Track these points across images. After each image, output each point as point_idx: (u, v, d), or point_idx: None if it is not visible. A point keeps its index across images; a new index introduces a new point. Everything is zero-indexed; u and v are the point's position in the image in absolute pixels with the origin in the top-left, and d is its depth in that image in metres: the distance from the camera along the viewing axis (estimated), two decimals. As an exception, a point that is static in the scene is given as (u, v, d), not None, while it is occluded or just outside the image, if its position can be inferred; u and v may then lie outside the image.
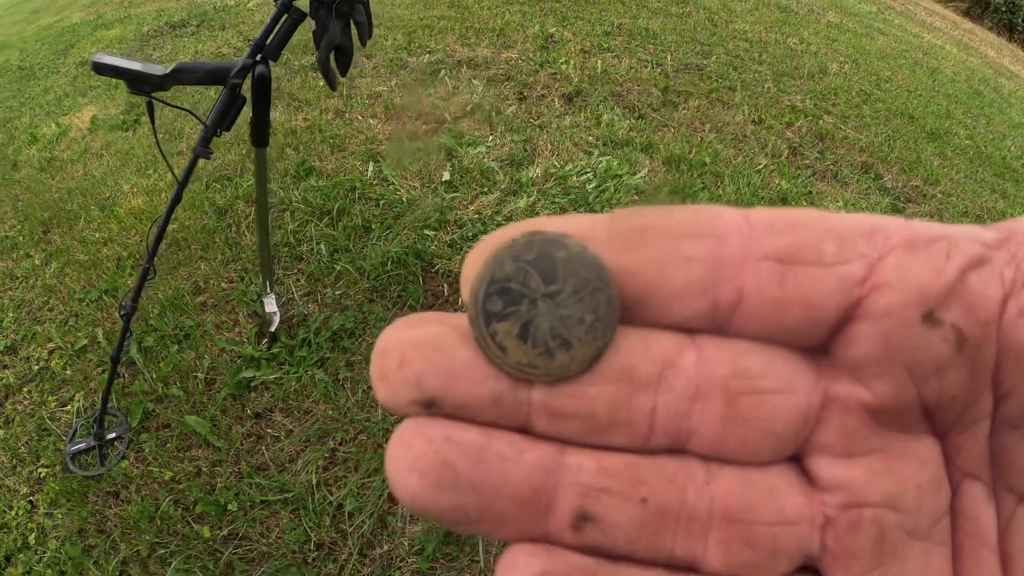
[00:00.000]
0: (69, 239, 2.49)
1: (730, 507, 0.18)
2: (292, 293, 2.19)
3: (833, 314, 0.17)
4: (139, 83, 1.53)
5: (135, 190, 2.72)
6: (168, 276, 2.25)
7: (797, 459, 0.19)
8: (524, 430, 0.18)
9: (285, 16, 1.54)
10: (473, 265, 0.18)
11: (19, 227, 2.64)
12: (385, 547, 1.61)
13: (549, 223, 0.18)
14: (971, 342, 0.17)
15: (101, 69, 1.51)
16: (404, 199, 2.59)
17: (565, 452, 0.18)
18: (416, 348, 0.17)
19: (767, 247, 0.17)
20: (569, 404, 0.17)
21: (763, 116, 3.87)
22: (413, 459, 0.17)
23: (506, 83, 3.52)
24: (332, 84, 1.61)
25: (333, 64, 1.61)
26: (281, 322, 2.03)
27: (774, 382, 0.18)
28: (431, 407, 0.17)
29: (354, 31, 1.62)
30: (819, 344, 0.18)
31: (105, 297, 2.21)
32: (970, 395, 0.18)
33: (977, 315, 0.17)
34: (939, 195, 3.92)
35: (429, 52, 3.74)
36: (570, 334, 0.17)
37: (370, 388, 1.92)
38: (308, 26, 1.56)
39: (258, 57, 1.57)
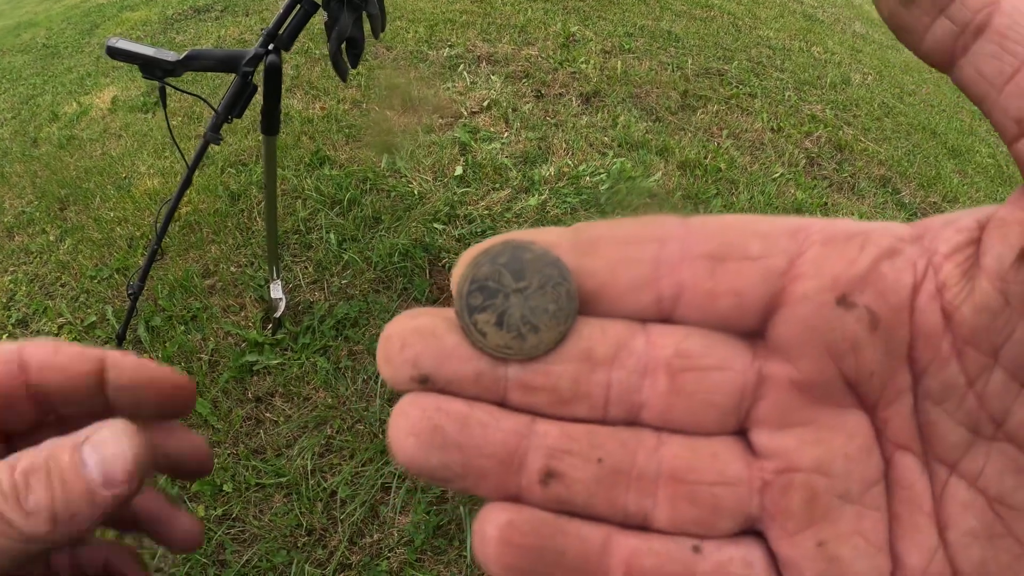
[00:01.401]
0: (84, 217, 2.52)
1: (676, 468, 0.20)
2: (299, 280, 2.21)
3: (760, 301, 0.20)
4: (152, 68, 1.55)
5: (151, 171, 2.75)
6: (179, 258, 2.28)
7: (743, 432, 0.21)
8: (502, 403, 0.21)
9: (298, 6, 1.56)
10: (459, 269, 0.21)
11: (36, 203, 2.68)
12: (375, 536, 1.63)
13: (521, 235, 0.21)
14: (884, 323, 0.19)
15: (115, 53, 1.53)
16: (415, 192, 2.60)
17: (535, 421, 0.20)
18: (415, 334, 0.20)
19: (701, 247, 0.20)
20: (538, 379, 0.20)
21: (782, 124, 3.85)
22: (410, 425, 0.20)
23: (524, 80, 3.52)
24: (343, 75, 1.62)
25: (344, 56, 1.62)
26: (287, 308, 2.05)
27: (712, 360, 0.20)
28: (425, 383, 0.20)
29: (367, 23, 1.63)
30: (753, 329, 0.20)
31: (116, 276, 2.24)
32: (887, 371, 0.20)
33: (889, 298, 0.19)
34: (957, 212, 3.88)
35: (450, 46, 3.75)
36: (538, 320, 0.20)
37: (369, 378, 1.94)
38: (322, 17, 1.58)
39: (270, 47, 1.59)
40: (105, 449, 0.25)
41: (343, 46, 1.58)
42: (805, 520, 0.20)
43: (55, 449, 0.25)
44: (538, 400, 0.21)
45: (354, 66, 1.64)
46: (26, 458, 0.25)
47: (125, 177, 2.75)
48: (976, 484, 0.19)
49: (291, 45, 1.60)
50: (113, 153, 2.90)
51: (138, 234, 2.41)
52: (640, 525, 0.21)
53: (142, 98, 3.30)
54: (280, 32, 1.57)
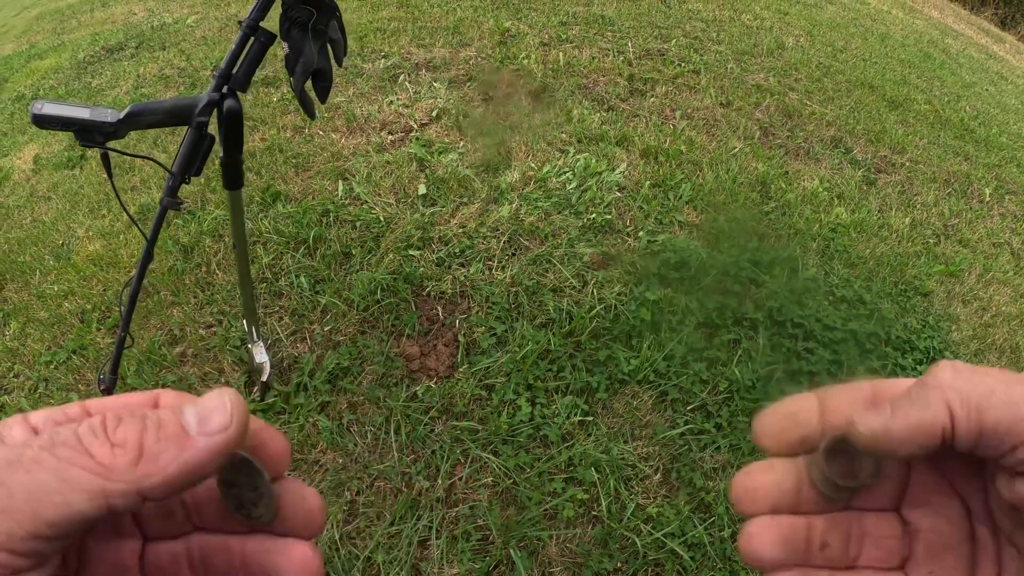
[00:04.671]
0: (26, 295, 2.30)
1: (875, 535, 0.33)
2: (278, 333, 2.04)
3: None
4: (90, 133, 1.34)
5: (90, 234, 2.54)
6: (140, 329, 2.08)
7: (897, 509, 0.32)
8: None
9: (252, 39, 1.39)
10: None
11: (-32, 285, 2.44)
12: (417, 606, 1.49)
13: None
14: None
15: (43, 122, 1.31)
16: (381, 218, 2.45)
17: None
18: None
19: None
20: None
21: (730, 98, 3.81)
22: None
23: (469, 83, 3.39)
24: (311, 113, 1.46)
25: (310, 91, 1.47)
26: (271, 367, 1.88)
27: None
28: None
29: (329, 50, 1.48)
30: None
31: (74, 357, 2.03)
32: (964, 479, 0.32)
33: None
34: (907, 163, 3.92)
35: (384, 56, 3.59)
36: None
37: (379, 429, 1.79)
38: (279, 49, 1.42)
39: (225, 89, 1.42)
40: (205, 402, 0.26)
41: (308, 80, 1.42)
42: (924, 560, 0.31)
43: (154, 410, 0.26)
44: None
45: (323, 101, 1.48)
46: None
47: (62, 244, 2.52)
48: (1020, 549, 0.29)
49: (248, 85, 1.43)
50: (45, 219, 2.67)
51: (89, 307, 2.20)
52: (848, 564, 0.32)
53: (66, 153, 3.05)
54: (234, 72, 1.40)
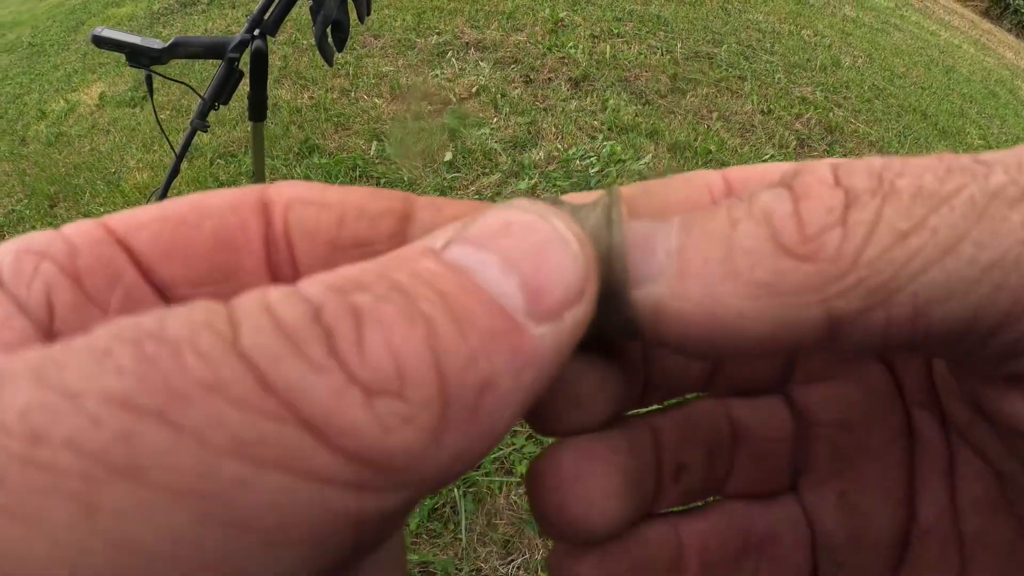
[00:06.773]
0: (75, 213, 2.51)
1: (748, 428, 0.20)
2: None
3: None
4: (138, 56, 1.54)
5: (140, 165, 2.74)
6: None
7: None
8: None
9: (283, -10, 1.56)
10: None
11: (26, 201, 2.67)
12: (372, 519, 1.62)
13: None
14: None
15: (100, 42, 1.53)
16: (405, 178, 2.60)
17: (647, 419, 0.20)
18: None
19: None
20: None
21: (772, 106, 3.85)
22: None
23: (513, 66, 3.51)
24: (328, 60, 1.61)
25: (330, 40, 1.62)
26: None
27: None
28: None
29: (352, 8, 1.63)
30: None
31: (106, 269, 2.23)
32: None
33: None
34: (949, 190, 3.89)
35: (438, 33, 3.74)
36: None
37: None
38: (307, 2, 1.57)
39: (256, 32, 1.58)
40: (521, 238, 0.13)
41: (328, 30, 1.57)
42: (829, 472, 0.20)
43: (396, 257, 0.12)
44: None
45: (340, 50, 1.63)
46: (324, 277, 0.12)
47: (114, 172, 2.74)
48: (984, 456, 0.18)
49: (276, 31, 1.59)
50: (102, 148, 2.89)
51: (128, 227, 2.40)
52: (715, 490, 0.21)
53: (129, 92, 3.28)
54: (265, 18, 1.57)
